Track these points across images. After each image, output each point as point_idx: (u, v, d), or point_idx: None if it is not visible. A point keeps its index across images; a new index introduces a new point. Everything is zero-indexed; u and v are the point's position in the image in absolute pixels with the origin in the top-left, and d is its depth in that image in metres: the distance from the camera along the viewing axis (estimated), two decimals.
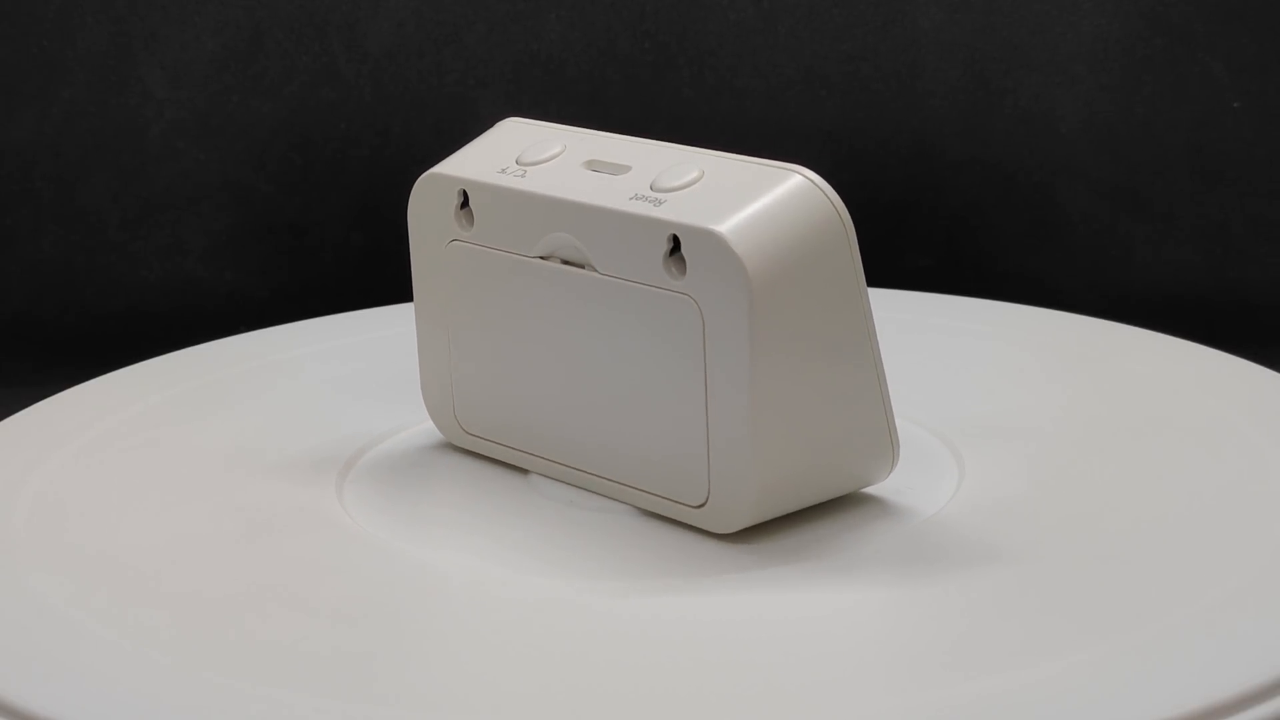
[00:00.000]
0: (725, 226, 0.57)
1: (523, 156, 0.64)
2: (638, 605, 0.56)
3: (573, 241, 0.61)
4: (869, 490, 0.62)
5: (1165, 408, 0.71)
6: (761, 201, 0.57)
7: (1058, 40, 1.04)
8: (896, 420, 0.70)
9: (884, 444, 0.60)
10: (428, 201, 0.66)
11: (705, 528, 0.60)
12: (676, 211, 0.58)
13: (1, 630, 0.56)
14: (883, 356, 0.60)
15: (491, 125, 0.63)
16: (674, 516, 0.61)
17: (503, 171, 0.63)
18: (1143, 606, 0.55)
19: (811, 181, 0.59)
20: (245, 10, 1.04)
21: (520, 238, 0.63)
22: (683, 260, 0.58)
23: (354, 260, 1.06)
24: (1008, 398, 0.72)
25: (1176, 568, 0.58)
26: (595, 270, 0.61)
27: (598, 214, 0.60)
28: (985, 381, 0.74)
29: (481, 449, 0.68)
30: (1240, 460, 0.65)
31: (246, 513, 0.64)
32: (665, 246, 0.58)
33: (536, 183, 0.62)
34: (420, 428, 0.71)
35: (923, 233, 1.06)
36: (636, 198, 0.59)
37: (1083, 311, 0.82)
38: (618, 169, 0.61)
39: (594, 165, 0.62)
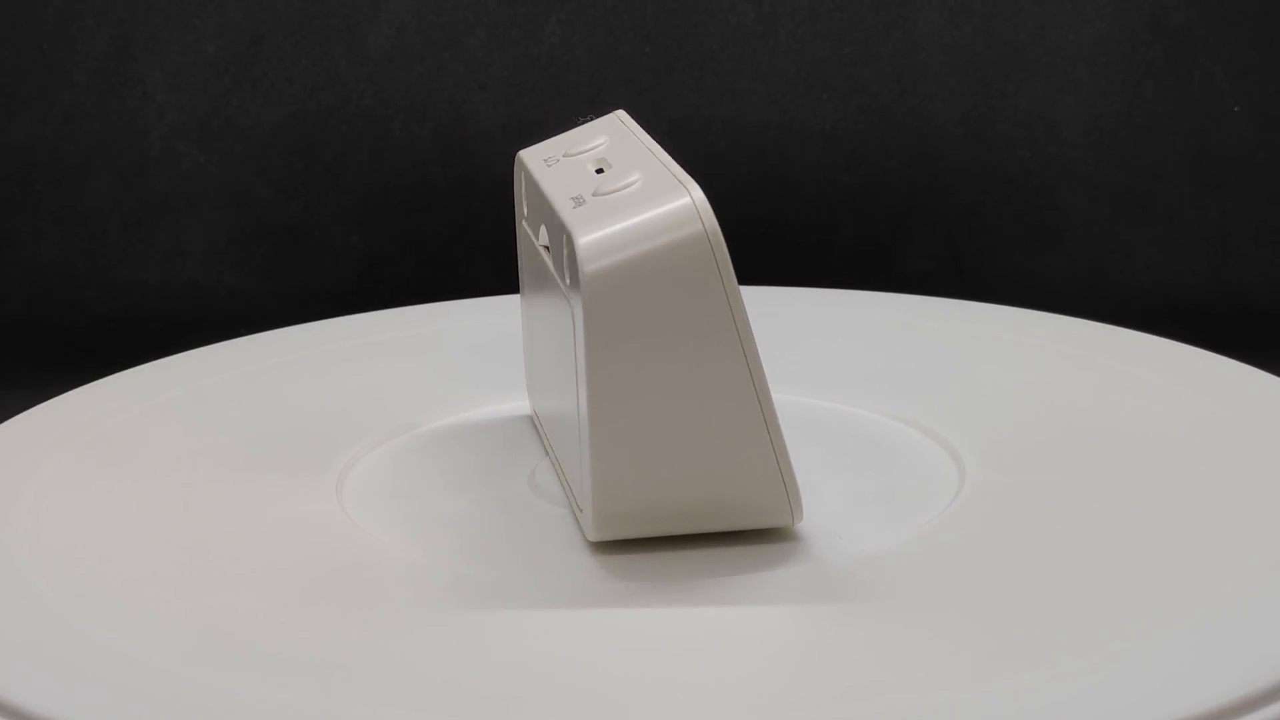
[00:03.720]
0: (586, 237, 0.56)
1: (570, 148, 0.64)
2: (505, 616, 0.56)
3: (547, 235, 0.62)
4: (809, 528, 0.61)
5: (1165, 412, 0.70)
6: (638, 217, 0.57)
7: (1059, 44, 1.04)
8: (898, 424, 0.70)
9: (774, 483, 0.58)
10: (516, 181, 0.68)
11: (585, 534, 0.60)
12: (577, 217, 0.58)
13: (1, 630, 0.56)
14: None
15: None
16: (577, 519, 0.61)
17: (546, 160, 0.64)
18: (1136, 610, 0.55)
19: (693, 203, 0.57)
20: (245, 13, 1.04)
21: (536, 225, 0.64)
22: (568, 265, 0.58)
23: (354, 263, 1.06)
24: (1009, 402, 0.72)
25: (1175, 571, 0.58)
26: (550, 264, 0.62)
27: (550, 211, 0.61)
28: (986, 385, 0.74)
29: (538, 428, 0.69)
30: (1239, 465, 0.65)
31: (246, 514, 0.64)
32: (565, 249, 0.58)
33: (546, 174, 0.63)
34: (420, 430, 0.71)
35: (923, 236, 1.06)
36: (574, 199, 0.59)
37: (1083, 315, 0.82)
38: (606, 168, 0.61)
39: (599, 164, 0.62)
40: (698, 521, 0.59)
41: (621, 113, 0.67)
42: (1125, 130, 1.04)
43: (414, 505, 0.65)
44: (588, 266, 0.56)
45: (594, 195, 0.59)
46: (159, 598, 0.58)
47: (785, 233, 1.06)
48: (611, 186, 0.59)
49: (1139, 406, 0.71)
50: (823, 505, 0.63)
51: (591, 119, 0.67)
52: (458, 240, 1.06)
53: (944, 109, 1.05)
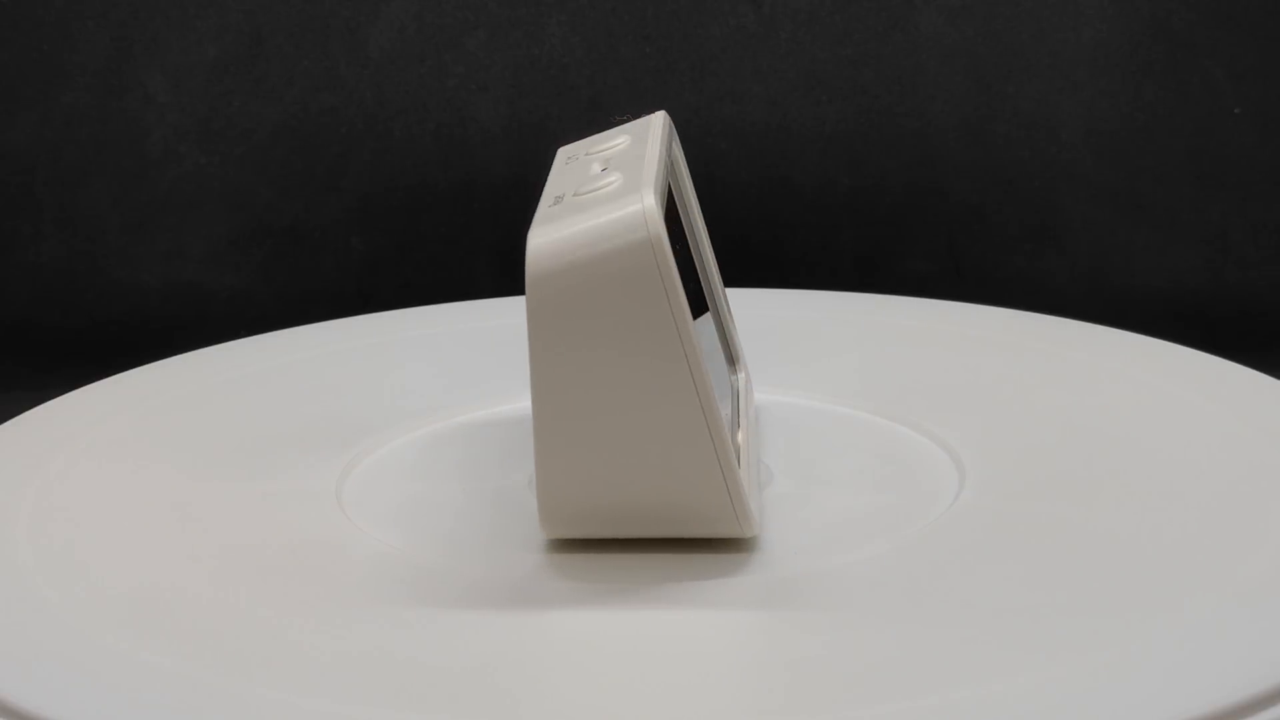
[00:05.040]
0: (536, 240, 0.56)
1: (593, 146, 0.64)
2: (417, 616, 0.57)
3: None
4: (770, 539, 0.61)
5: (1165, 413, 0.70)
6: (591, 222, 0.57)
7: (1059, 46, 1.04)
8: (897, 427, 0.70)
9: (718, 492, 0.58)
10: None
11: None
12: (545, 216, 0.58)
13: (2, 630, 0.56)
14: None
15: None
16: None
17: (569, 157, 0.64)
18: (1133, 614, 0.55)
19: (642, 210, 0.56)
20: (246, 15, 1.04)
21: None
22: None
23: (354, 265, 1.06)
24: (1009, 404, 0.72)
25: (1173, 575, 0.57)
26: None
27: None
28: (986, 387, 0.74)
29: None
30: (1240, 467, 0.65)
31: (246, 515, 0.64)
32: None
33: (560, 171, 0.63)
34: (419, 433, 0.71)
35: (924, 238, 1.06)
36: (557, 197, 0.59)
37: (1083, 317, 0.82)
38: (608, 168, 0.61)
39: (606, 163, 0.62)
40: (646, 526, 0.59)
41: (662, 114, 0.67)
42: (1125, 132, 1.04)
43: (405, 496, 0.65)
44: (532, 269, 0.56)
45: (574, 195, 0.59)
46: (161, 598, 0.58)
47: (785, 234, 1.06)
48: (591, 187, 0.59)
49: (1139, 408, 0.71)
50: (808, 511, 0.63)
51: (630, 118, 0.67)
52: (458, 242, 1.06)
53: (944, 111, 1.05)
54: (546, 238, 0.57)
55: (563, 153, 0.66)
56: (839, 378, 0.75)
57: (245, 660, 0.54)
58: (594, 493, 0.58)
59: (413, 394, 0.75)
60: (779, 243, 1.05)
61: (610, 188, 0.58)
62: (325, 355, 0.81)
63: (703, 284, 0.69)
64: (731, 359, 0.70)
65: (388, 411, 0.73)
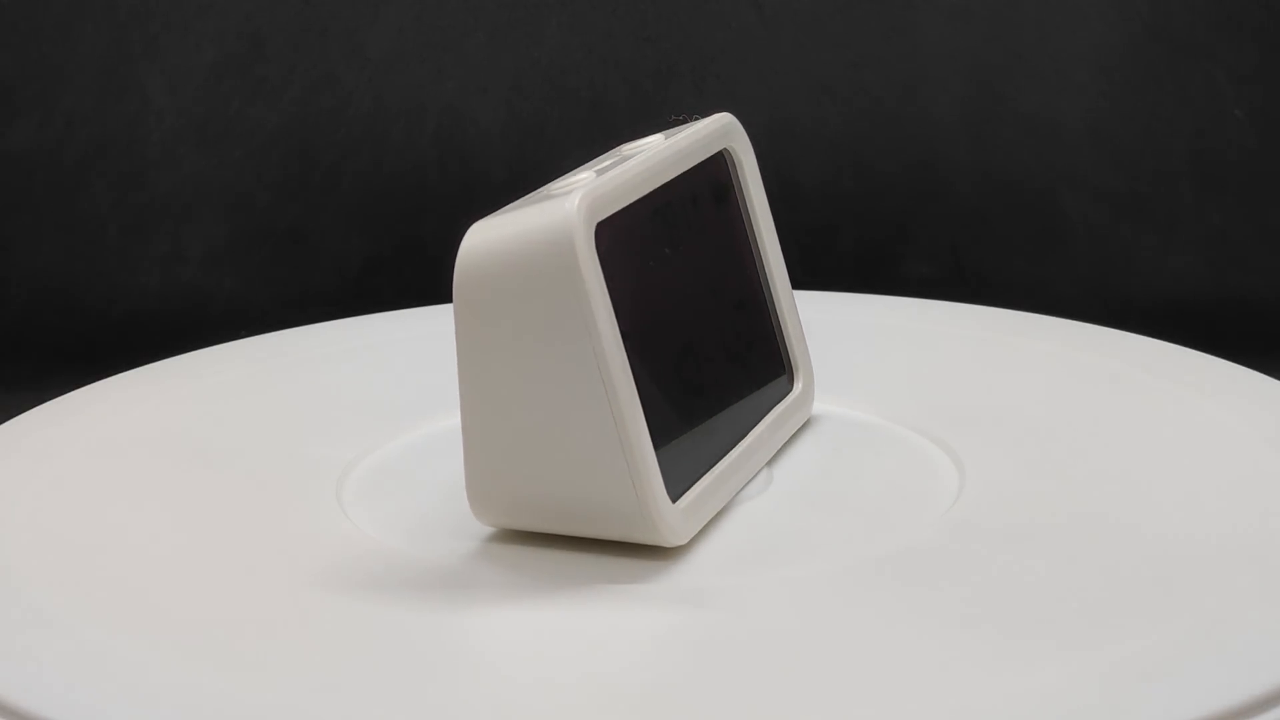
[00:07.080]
0: (474, 233, 0.57)
1: (631, 145, 0.64)
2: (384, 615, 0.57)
3: None
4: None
5: (1167, 416, 0.70)
6: (524, 222, 0.57)
7: (1061, 48, 1.04)
8: (898, 429, 0.70)
9: (629, 499, 0.57)
10: None
11: None
12: (507, 209, 0.58)
13: (1, 631, 0.55)
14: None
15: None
16: None
17: (606, 155, 0.64)
18: (1130, 619, 0.55)
19: (568, 209, 0.56)
20: (245, 17, 1.04)
21: None
22: None
23: (354, 266, 1.06)
24: (1009, 405, 0.72)
25: (1173, 578, 0.57)
26: None
27: None
28: (987, 389, 0.74)
29: None
30: (1242, 469, 0.65)
31: (246, 516, 0.64)
32: None
33: (582, 165, 0.63)
34: (420, 432, 0.71)
35: (925, 240, 1.06)
36: (539, 192, 0.60)
37: (1085, 319, 0.82)
38: (610, 163, 0.61)
39: (614, 160, 0.62)
40: (569, 524, 0.59)
41: (719, 116, 0.67)
42: (1127, 134, 1.04)
43: (403, 493, 0.66)
44: (460, 262, 0.57)
45: (549, 190, 0.59)
46: (161, 600, 0.58)
47: (787, 236, 1.05)
48: (564, 184, 0.59)
49: (1141, 410, 0.71)
50: (776, 524, 0.62)
51: (687, 119, 0.66)
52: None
53: (946, 113, 1.05)
54: (481, 234, 0.57)
55: (616, 149, 0.66)
56: (837, 378, 0.75)
57: (243, 659, 0.54)
58: (516, 488, 0.59)
59: (417, 393, 0.75)
60: (780, 246, 1.05)
61: (575, 185, 0.58)
62: (324, 355, 0.80)
63: (764, 285, 0.68)
64: (790, 368, 0.69)
65: (392, 410, 0.73)
